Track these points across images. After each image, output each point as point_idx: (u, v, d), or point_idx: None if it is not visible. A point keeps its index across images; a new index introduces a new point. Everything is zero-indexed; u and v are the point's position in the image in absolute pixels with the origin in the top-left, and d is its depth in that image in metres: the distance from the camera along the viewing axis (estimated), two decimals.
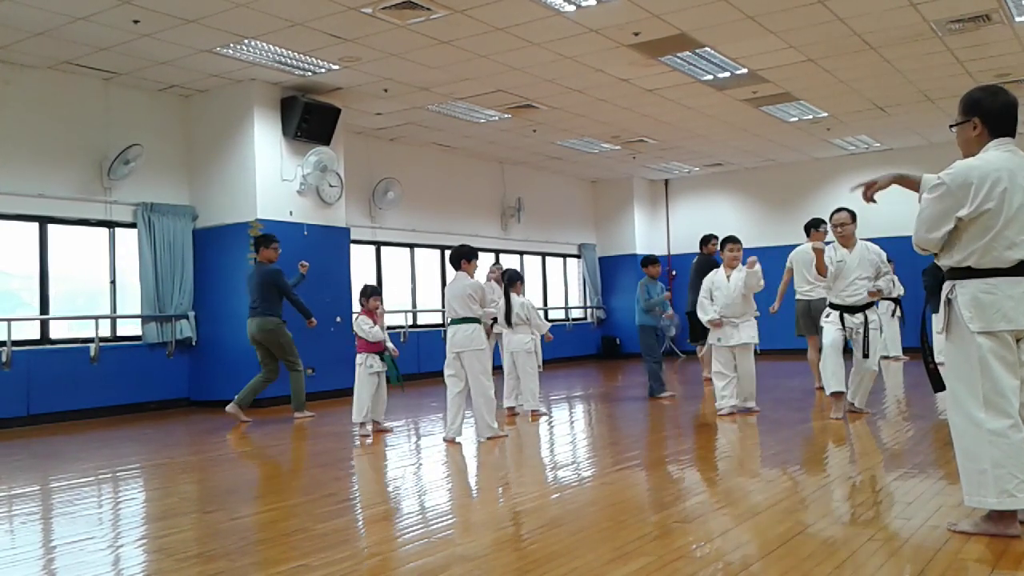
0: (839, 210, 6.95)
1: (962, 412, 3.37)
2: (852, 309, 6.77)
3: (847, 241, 6.83)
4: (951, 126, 3.61)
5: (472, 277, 6.66)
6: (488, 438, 6.47)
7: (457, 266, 6.67)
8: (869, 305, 6.82)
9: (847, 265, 6.75)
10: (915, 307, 12.69)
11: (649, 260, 9.03)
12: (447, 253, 13.51)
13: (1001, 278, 3.31)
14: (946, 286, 3.45)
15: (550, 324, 8.58)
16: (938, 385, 3.68)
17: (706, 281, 7.63)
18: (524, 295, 8.27)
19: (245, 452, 6.78)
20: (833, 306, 6.86)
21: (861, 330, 6.75)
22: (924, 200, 3.46)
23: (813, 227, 8.67)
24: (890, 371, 11.30)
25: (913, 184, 3.64)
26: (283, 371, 8.53)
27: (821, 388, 8.86)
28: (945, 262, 3.47)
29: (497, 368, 7.66)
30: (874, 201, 3.81)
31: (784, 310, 8.96)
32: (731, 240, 7.71)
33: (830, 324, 6.84)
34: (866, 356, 6.75)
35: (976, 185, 3.31)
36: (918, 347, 12.01)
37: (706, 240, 10.32)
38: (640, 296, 8.75)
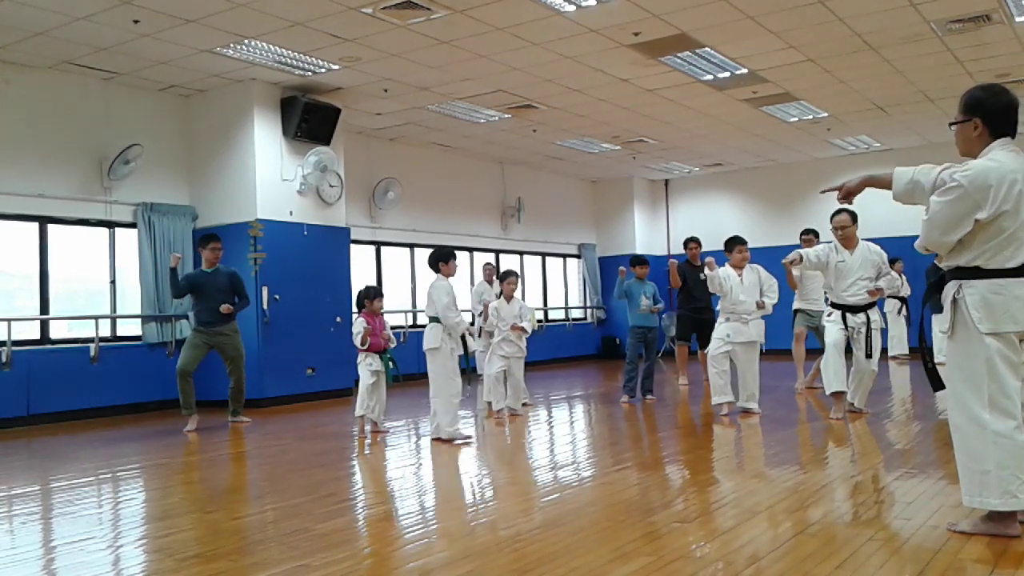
0: (840, 212, 6.94)
1: (966, 413, 3.35)
2: (854, 309, 6.78)
3: (849, 243, 6.83)
4: (951, 124, 3.58)
5: (448, 278, 6.59)
6: (442, 439, 6.45)
7: (436, 269, 6.63)
8: (871, 305, 6.83)
9: (848, 265, 6.76)
10: (917, 307, 12.68)
11: (637, 260, 8.89)
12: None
13: (1009, 279, 3.29)
14: (951, 286, 3.42)
15: (540, 324, 8.57)
16: (937, 384, 3.66)
17: (719, 274, 7.53)
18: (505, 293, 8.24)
19: (245, 452, 6.78)
20: (835, 306, 6.86)
21: (863, 330, 6.76)
22: (936, 202, 3.38)
23: (803, 234, 8.76)
24: (891, 371, 11.30)
25: (884, 182, 3.63)
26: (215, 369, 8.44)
27: (810, 389, 8.92)
28: (952, 262, 3.43)
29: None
30: (849, 201, 3.83)
31: (782, 309, 8.97)
32: (737, 241, 7.65)
33: (832, 324, 6.85)
34: (869, 356, 6.76)
35: (995, 187, 3.27)
36: (918, 347, 12.00)
37: (686, 243, 10.34)
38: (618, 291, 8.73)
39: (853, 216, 6.88)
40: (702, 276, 9.84)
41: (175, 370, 8.02)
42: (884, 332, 12.61)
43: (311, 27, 8.02)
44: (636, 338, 8.65)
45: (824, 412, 7.33)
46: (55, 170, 8.99)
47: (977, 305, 3.32)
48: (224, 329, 8.03)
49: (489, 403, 8.17)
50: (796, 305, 9.07)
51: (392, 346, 7.21)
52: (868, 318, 6.78)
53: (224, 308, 7.91)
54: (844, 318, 6.78)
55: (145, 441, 7.40)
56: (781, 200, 16.23)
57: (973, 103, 3.47)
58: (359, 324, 7.02)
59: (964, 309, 3.35)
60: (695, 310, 9.84)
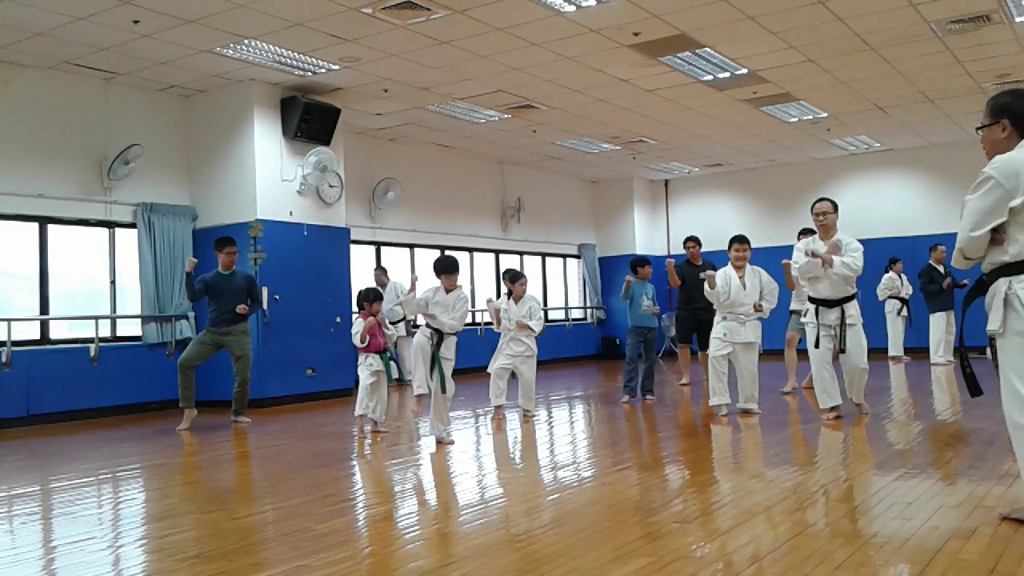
0: (821, 200, 6.96)
1: None
2: (828, 303, 6.75)
3: (827, 232, 6.81)
4: (978, 128, 3.62)
5: (450, 288, 6.44)
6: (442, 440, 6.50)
7: (437, 275, 6.52)
8: (848, 299, 6.77)
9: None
10: (917, 307, 12.66)
11: (639, 262, 8.95)
12: (447, 253, 13.65)
13: None
14: (1001, 284, 3.36)
15: (542, 324, 8.49)
16: (975, 390, 3.57)
17: (719, 277, 7.51)
18: (502, 292, 8.20)
19: (245, 452, 6.78)
20: (812, 300, 6.86)
21: (837, 324, 6.72)
22: (968, 200, 3.40)
23: (801, 234, 8.71)
24: (891, 371, 11.30)
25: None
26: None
27: (809, 390, 8.87)
28: (998, 259, 3.38)
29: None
30: None
31: (780, 311, 8.94)
32: (737, 240, 7.59)
33: (811, 330, 6.82)
34: (842, 351, 6.71)
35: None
36: (918, 347, 11.96)
37: (685, 242, 10.31)
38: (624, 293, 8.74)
39: (834, 205, 6.90)
40: (701, 276, 9.81)
41: (176, 364, 8.12)
42: (898, 325, 12.62)
43: (311, 27, 8.03)
44: (636, 338, 8.66)
45: (822, 412, 7.33)
46: (55, 170, 8.99)
47: None
48: (233, 329, 8.10)
49: (499, 406, 8.15)
50: (792, 306, 9.04)
51: (393, 341, 7.22)
52: (843, 312, 6.73)
53: (240, 308, 8.02)
54: (818, 313, 6.76)
55: (145, 441, 7.40)
56: (781, 200, 16.22)
57: (1001, 106, 3.51)
58: (359, 323, 7.03)
59: (1018, 305, 3.29)
60: (694, 310, 9.79)
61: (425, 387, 6.43)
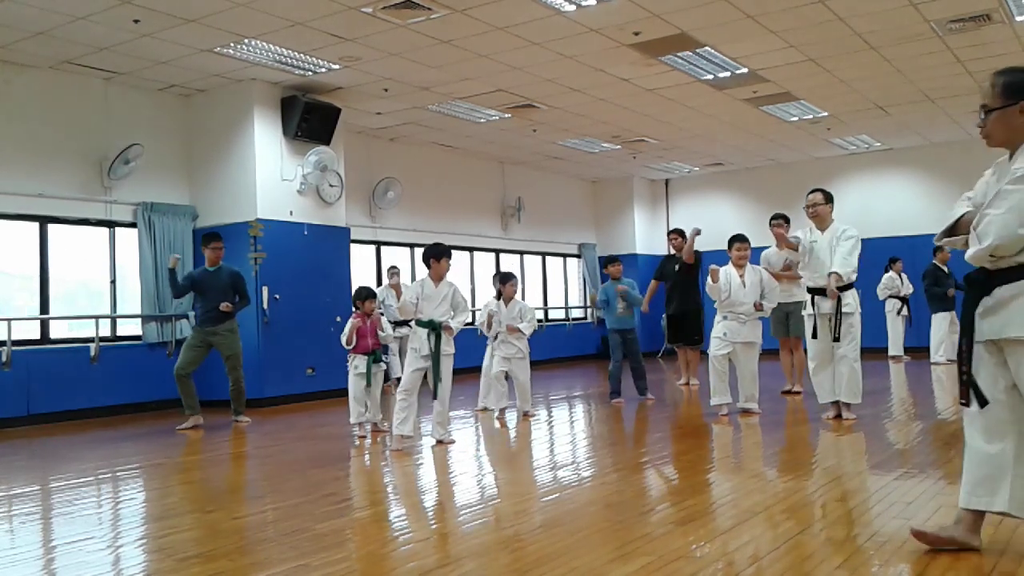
0: (813, 191, 6.98)
1: None
2: (823, 292, 6.75)
3: (822, 222, 6.81)
4: (991, 110, 3.10)
5: (440, 278, 6.35)
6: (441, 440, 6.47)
7: (427, 265, 6.42)
8: (845, 288, 6.72)
9: (819, 246, 6.72)
10: (917, 307, 12.65)
11: (609, 260, 8.94)
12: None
13: None
14: None
15: (540, 324, 8.49)
16: (967, 400, 3.13)
17: (721, 276, 7.45)
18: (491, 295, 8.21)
19: (245, 452, 6.78)
20: (809, 290, 6.86)
21: (832, 313, 6.68)
22: (1012, 191, 2.93)
23: (773, 219, 8.62)
24: (891, 371, 11.30)
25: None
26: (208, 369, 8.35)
27: (788, 392, 8.85)
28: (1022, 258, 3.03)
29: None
30: None
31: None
32: (738, 239, 7.56)
33: (808, 318, 6.84)
34: (836, 339, 6.69)
35: None
36: (918, 346, 11.84)
37: (669, 235, 10.24)
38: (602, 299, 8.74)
39: (827, 196, 6.89)
40: (676, 268, 9.80)
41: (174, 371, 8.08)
42: (898, 325, 12.58)
43: (311, 27, 8.02)
44: (614, 340, 8.63)
45: (817, 413, 7.32)
46: (55, 170, 8.99)
47: None
48: (219, 328, 8.06)
49: (484, 408, 8.13)
50: None
51: (389, 344, 7.16)
52: (839, 300, 6.67)
53: (224, 306, 7.95)
54: (813, 302, 6.76)
55: (145, 441, 7.40)
56: (781, 200, 16.12)
57: (1018, 85, 3.03)
58: (348, 323, 6.94)
59: None
60: (668, 306, 9.85)
61: (410, 430, 6.29)
